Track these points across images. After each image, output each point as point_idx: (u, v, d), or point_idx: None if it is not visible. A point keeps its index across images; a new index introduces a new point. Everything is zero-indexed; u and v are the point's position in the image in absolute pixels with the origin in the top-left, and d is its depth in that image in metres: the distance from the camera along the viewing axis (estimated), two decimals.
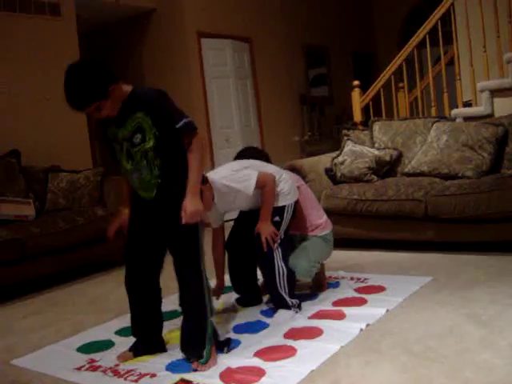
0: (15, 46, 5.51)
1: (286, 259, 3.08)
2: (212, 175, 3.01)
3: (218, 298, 3.24)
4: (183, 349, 2.59)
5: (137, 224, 2.66)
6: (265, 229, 3.01)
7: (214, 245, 3.24)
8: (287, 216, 3.11)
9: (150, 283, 2.69)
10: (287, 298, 3.07)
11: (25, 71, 5.57)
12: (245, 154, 3.42)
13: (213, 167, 7.01)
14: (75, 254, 4.60)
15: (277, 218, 3.07)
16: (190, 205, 2.42)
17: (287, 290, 3.06)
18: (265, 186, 2.98)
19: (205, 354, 2.49)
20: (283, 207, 3.10)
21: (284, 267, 3.05)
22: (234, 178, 2.96)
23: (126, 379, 2.48)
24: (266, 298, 3.35)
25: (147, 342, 2.74)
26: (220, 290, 3.27)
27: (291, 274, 3.10)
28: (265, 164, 3.23)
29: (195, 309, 2.54)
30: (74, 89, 2.33)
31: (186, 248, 2.53)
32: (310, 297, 3.35)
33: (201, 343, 2.51)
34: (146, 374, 2.50)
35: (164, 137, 2.45)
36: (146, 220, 2.62)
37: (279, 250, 3.06)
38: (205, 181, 2.82)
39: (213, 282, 3.07)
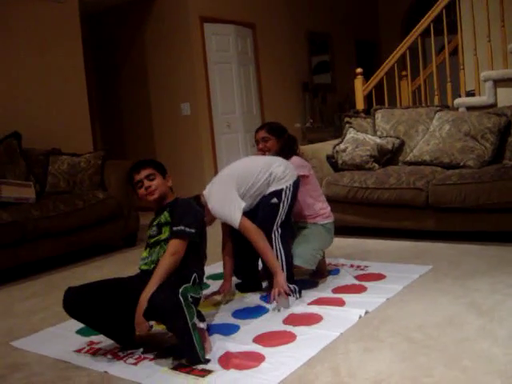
0: (16, 29, 5.46)
1: (284, 242, 3.07)
2: (206, 195, 3.07)
3: (224, 299, 3.19)
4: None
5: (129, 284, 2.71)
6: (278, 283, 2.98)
7: (224, 240, 3.24)
8: (286, 198, 3.09)
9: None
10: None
11: (26, 54, 5.53)
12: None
13: (214, 153, 7.00)
14: (75, 237, 4.60)
15: (274, 200, 3.07)
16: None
17: (285, 274, 3.04)
18: (246, 233, 2.98)
19: (201, 357, 2.37)
20: (281, 190, 3.09)
21: (282, 249, 3.05)
22: (220, 210, 3.01)
23: (125, 362, 2.49)
24: (265, 283, 3.34)
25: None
26: (224, 290, 3.21)
27: (289, 258, 3.09)
28: (254, 159, 3.29)
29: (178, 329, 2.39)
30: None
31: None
32: (309, 283, 3.35)
33: (194, 355, 2.37)
34: (145, 358, 2.51)
35: None
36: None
37: (278, 231, 3.06)
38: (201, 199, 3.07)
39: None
